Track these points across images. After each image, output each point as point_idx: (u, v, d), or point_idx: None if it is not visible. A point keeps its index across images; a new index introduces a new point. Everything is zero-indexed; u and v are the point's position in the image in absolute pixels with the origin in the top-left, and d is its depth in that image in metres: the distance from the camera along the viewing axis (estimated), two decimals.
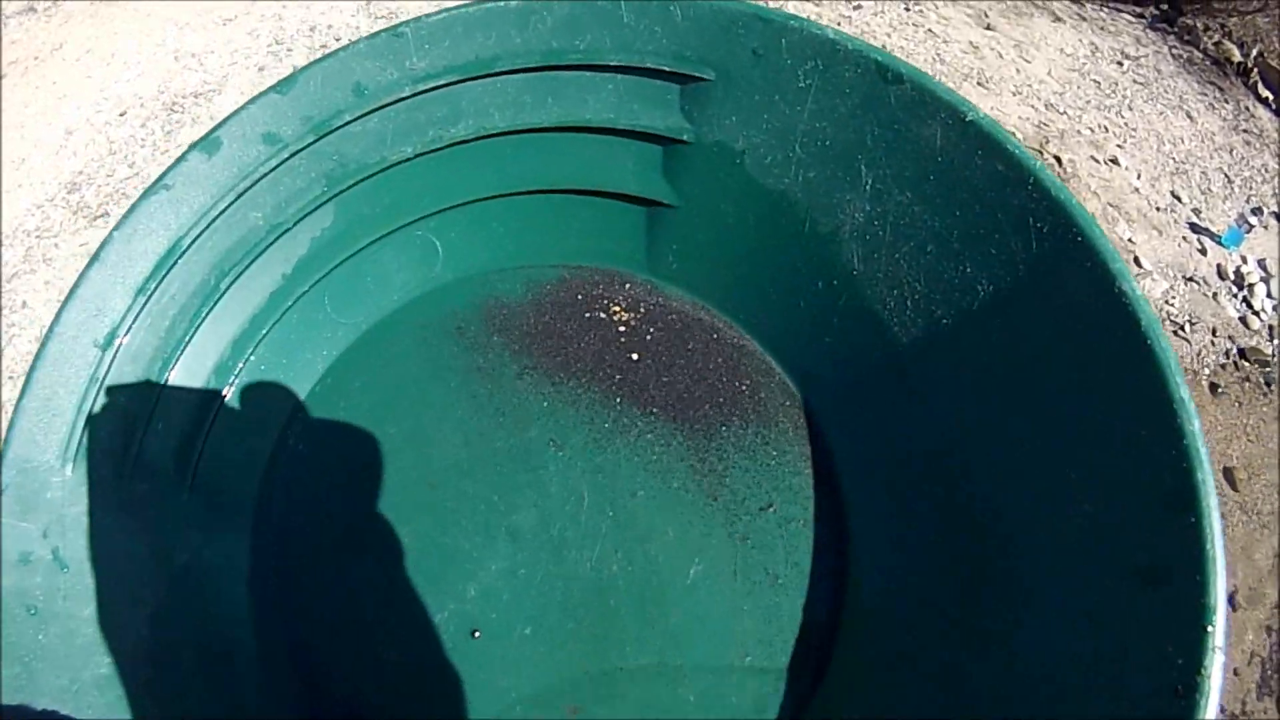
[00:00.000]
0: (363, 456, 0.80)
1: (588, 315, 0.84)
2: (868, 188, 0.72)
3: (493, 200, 0.84)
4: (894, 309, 0.73)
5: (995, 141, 0.63)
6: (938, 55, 2.19)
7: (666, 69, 0.76)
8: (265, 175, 0.78)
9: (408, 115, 0.80)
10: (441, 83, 0.79)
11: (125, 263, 0.75)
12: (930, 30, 2.25)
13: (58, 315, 0.73)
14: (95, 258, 0.74)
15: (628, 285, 0.85)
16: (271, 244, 0.80)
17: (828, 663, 0.70)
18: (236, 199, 0.78)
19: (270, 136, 0.78)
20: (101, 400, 0.73)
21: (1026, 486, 0.63)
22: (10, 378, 1.71)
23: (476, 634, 0.71)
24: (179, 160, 0.77)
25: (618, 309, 0.84)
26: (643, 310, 0.84)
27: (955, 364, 0.69)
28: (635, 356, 0.82)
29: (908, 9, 2.28)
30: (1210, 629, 0.50)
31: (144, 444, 0.74)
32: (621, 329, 0.83)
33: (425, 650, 0.72)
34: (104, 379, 0.73)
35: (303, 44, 2.29)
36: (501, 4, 0.76)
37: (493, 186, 0.83)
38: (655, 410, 0.79)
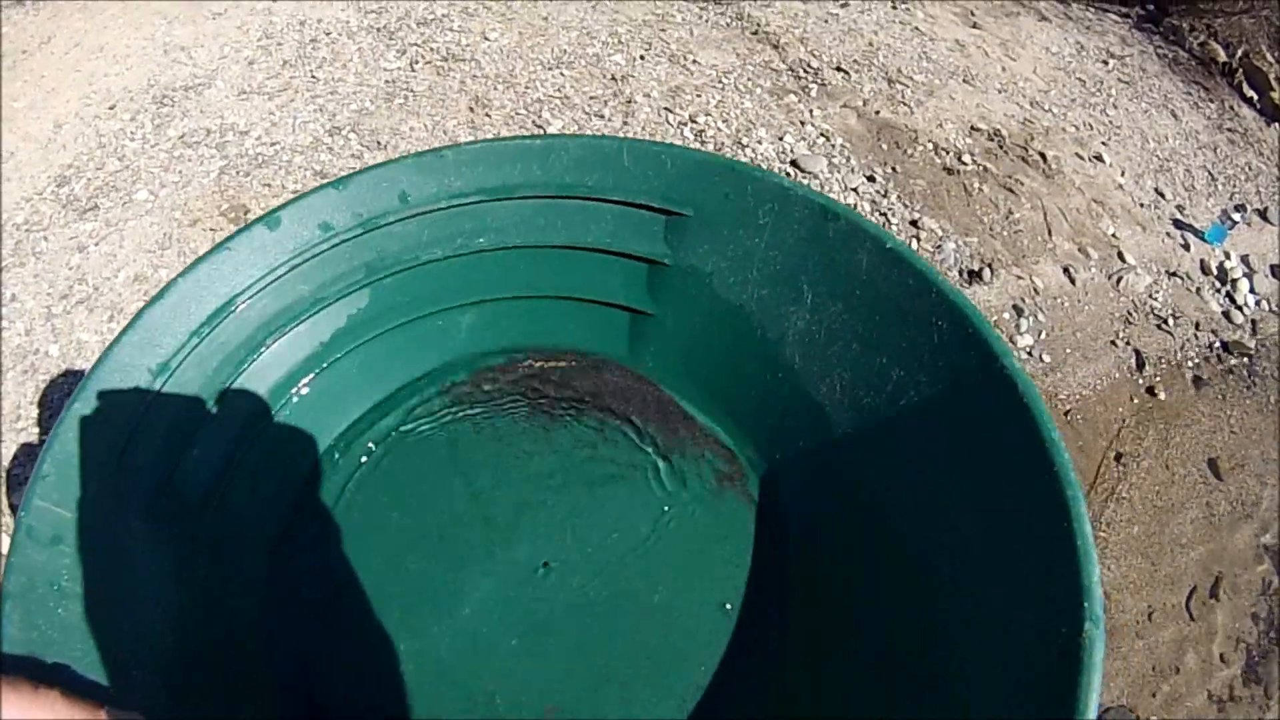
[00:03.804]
0: (379, 505, 0.90)
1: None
2: (808, 301, 0.93)
3: (504, 301, 1.01)
4: (826, 394, 0.91)
5: (908, 262, 0.85)
6: (924, 53, 2.23)
7: (655, 205, 0.97)
8: (315, 255, 0.94)
9: (441, 224, 0.98)
10: (472, 200, 0.98)
11: (185, 305, 0.86)
12: (917, 28, 2.30)
13: (118, 338, 0.82)
14: (158, 297, 0.85)
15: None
16: (314, 314, 0.94)
17: (778, 673, 0.81)
18: (289, 270, 0.92)
19: (325, 224, 0.94)
20: (148, 419, 0.82)
21: (941, 521, 0.79)
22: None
23: (470, 648, 0.79)
24: (244, 229, 0.90)
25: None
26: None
27: (878, 435, 0.86)
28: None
29: (894, 7, 2.35)
30: (1087, 604, 0.65)
31: (180, 466, 0.83)
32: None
33: (421, 661, 0.79)
34: (152, 401, 0.83)
35: (292, 38, 2.31)
36: (528, 142, 0.98)
37: (506, 290, 1.01)
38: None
